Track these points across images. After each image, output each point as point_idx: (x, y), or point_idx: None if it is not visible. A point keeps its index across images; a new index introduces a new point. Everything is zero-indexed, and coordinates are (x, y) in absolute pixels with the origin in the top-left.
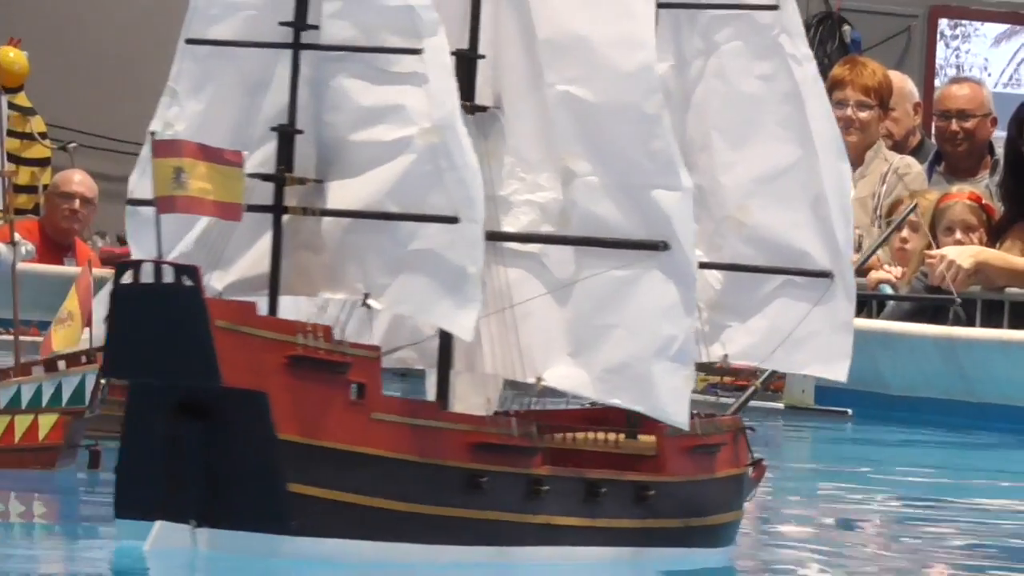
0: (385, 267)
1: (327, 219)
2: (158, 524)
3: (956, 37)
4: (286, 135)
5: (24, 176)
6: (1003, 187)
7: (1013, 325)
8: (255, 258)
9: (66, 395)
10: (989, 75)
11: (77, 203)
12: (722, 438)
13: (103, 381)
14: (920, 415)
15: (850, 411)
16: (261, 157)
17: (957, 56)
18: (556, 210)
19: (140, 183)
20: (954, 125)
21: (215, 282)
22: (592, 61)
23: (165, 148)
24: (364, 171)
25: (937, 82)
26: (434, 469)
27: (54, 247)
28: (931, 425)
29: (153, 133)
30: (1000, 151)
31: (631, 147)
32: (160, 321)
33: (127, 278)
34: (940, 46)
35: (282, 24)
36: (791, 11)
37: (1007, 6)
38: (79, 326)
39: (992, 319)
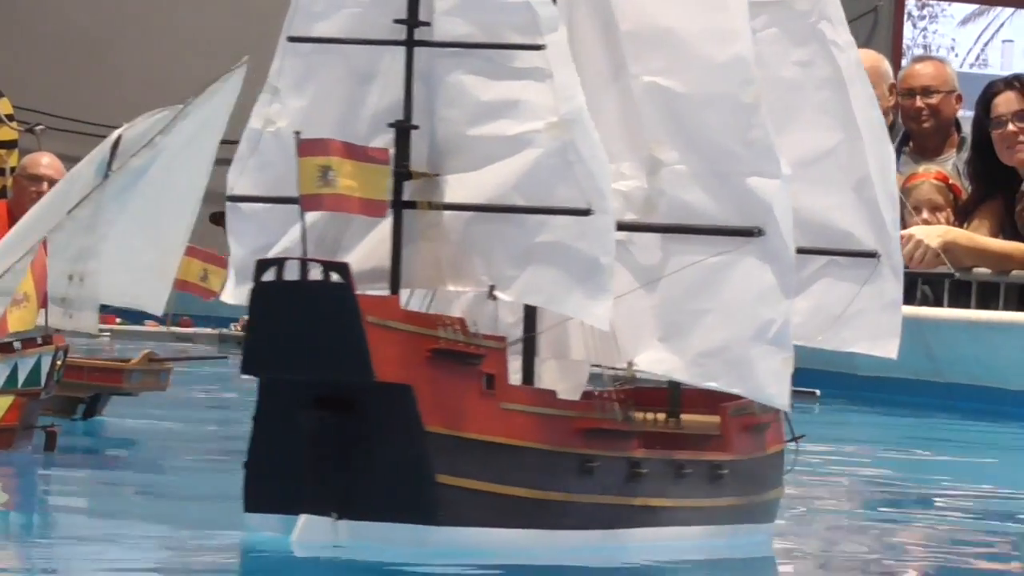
0: (512, 259)
1: (448, 212)
2: (303, 517)
3: (923, 17)
4: (403, 131)
5: None
6: (970, 167)
7: (980, 306)
8: (367, 251)
9: (22, 377)
10: (956, 55)
11: (45, 185)
12: (770, 416)
13: (59, 362)
14: (887, 395)
15: (818, 392)
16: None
17: (924, 36)
18: (640, 198)
19: (240, 180)
20: (919, 102)
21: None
22: (682, 52)
23: (311, 147)
24: (484, 165)
25: (904, 62)
26: (555, 456)
27: None
28: (899, 405)
29: (258, 131)
30: (967, 129)
31: (724, 136)
32: (309, 318)
33: (270, 275)
34: (907, 26)
35: (396, 22)
36: None
37: None
38: (35, 307)
39: (959, 300)
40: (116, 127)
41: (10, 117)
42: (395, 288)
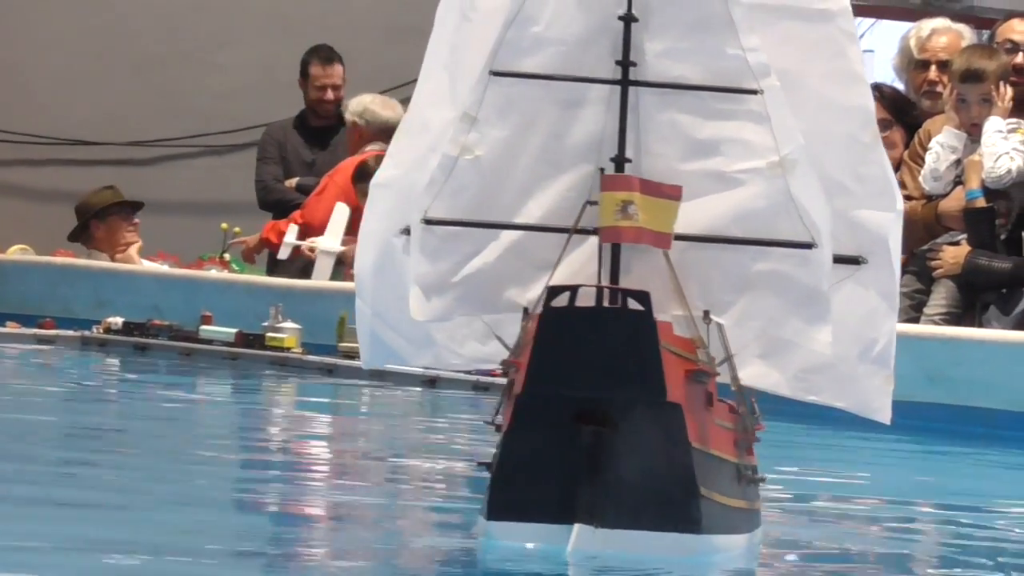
0: (730, 286)
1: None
2: (577, 527)
3: None
4: (620, 165)
5: None
6: None
7: None
8: (565, 276)
9: None
10: None
11: None
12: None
13: None
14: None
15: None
16: (569, 182)
17: None
18: None
19: (435, 204)
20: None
21: (515, 297)
22: (800, 93)
23: (614, 182)
24: (696, 198)
25: None
26: (731, 466)
27: None
28: None
29: (454, 157)
30: None
31: (838, 171)
32: (606, 341)
33: (560, 301)
34: None
35: (617, 63)
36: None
37: None
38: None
39: None
40: None
41: None
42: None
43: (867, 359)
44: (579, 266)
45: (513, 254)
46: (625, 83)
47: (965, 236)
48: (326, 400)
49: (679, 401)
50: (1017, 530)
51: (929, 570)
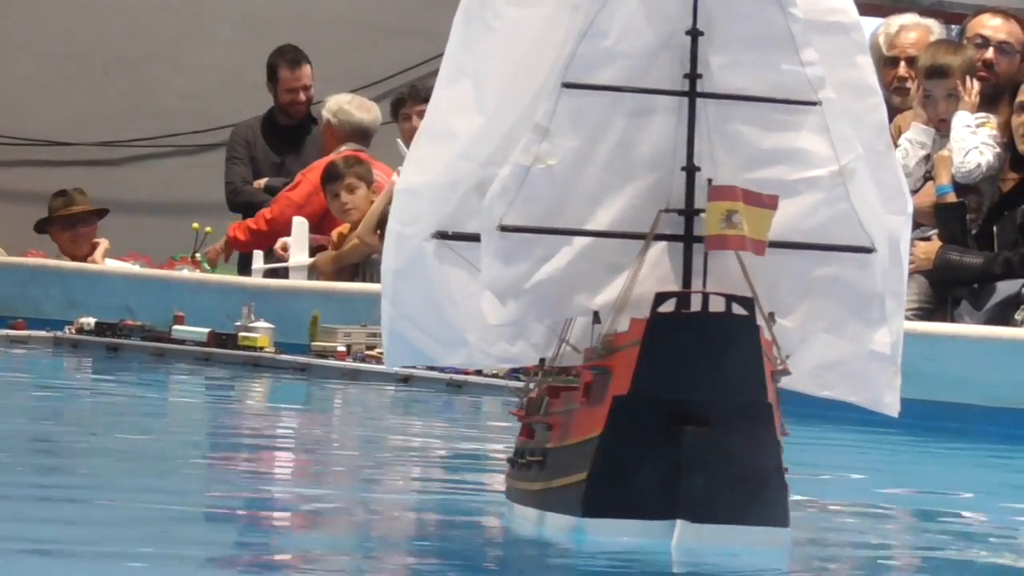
0: (794, 290)
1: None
2: (679, 523)
3: None
4: (690, 173)
5: None
6: None
7: None
8: (631, 281)
9: None
10: None
11: None
12: None
13: None
14: None
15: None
16: (636, 190)
17: None
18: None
19: (509, 212)
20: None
21: (585, 301)
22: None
23: (721, 192)
24: None
25: None
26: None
27: None
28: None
29: (526, 167)
30: None
31: None
32: (713, 346)
33: (668, 307)
34: None
35: (685, 76)
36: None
37: None
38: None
39: None
40: None
41: None
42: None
43: (878, 356)
44: (647, 271)
45: (583, 260)
46: (692, 95)
47: (936, 231)
48: (299, 399)
49: (771, 401)
50: (985, 523)
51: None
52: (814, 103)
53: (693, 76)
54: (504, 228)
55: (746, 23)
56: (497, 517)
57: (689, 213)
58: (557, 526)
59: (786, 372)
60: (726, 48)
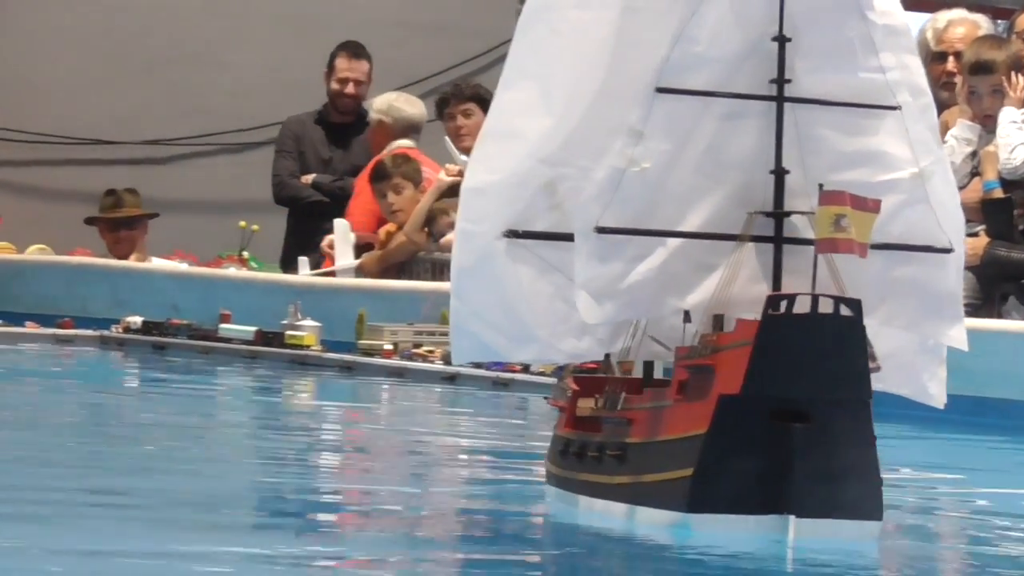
0: (876, 289)
1: (803, 248)
2: (792, 519)
3: None
4: (780, 176)
5: None
6: None
7: None
8: (723, 282)
9: None
10: None
11: None
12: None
13: None
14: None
15: None
16: (725, 192)
17: None
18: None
19: (605, 214)
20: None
21: (676, 301)
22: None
23: (830, 197)
24: None
25: None
26: None
27: None
28: None
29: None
30: None
31: None
32: (822, 345)
33: (780, 308)
34: None
35: (771, 82)
36: None
37: None
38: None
39: None
40: None
41: None
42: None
43: (925, 349)
44: (735, 271)
45: (675, 260)
46: (781, 99)
47: (983, 227)
48: (346, 397)
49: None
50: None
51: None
52: (894, 107)
53: (781, 81)
54: (601, 229)
55: (828, 29)
56: (546, 506)
57: (779, 215)
58: (653, 520)
59: (878, 369)
60: (810, 54)
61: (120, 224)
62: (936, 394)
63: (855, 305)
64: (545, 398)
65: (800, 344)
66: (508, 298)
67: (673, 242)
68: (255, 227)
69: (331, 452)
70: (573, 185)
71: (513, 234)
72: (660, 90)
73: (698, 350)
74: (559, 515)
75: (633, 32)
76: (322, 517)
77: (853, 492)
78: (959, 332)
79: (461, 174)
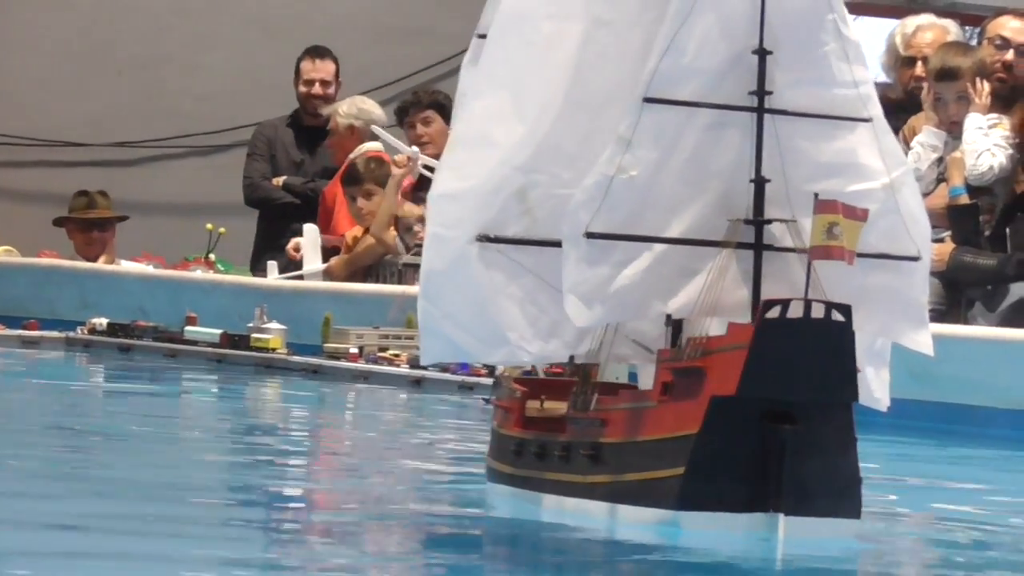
0: (850, 295)
1: (791, 255)
2: (781, 517)
3: None
4: (760, 185)
5: None
6: None
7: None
8: (702, 286)
9: None
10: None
11: None
12: None
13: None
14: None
15: None
16: (708, 199)
17: None
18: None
19: (595, 220)
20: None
21: (659, 305)
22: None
23: (824, 206)
24: None
25: None
26: None
27: None
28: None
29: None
30: None
31: None
32: (813, 350)
33: (773, 313)
34: None
35: (750, 93)
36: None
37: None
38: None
39: None
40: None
41: None
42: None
43: (872, 352)
44: (717, 276)
45: (660, 265)
46: (761, 111)
47: (949, 233)
48: (311, 401)
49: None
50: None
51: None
52: (867, 120)
53: (761, 93)
54: (590, 235)
55: (807, 43)
56: (511, 506)
57: (759, 223)
58: (640, 518)
59: (859, 371)
60: (790, 67)
61: (92, 225)
62: (880, 398)
63: (846, 310)
64: (484, 399)
65: (794, 348)
66: (480, 301)
67: (658, 247)
68: (222, 230)
69: (295, 456)
70: (544, 192)
71: (486, 239)
72: (648, 100)
73: (685, 352)
74: (526, 514)
75: (600, 44)
76: (287, 523)
77: (836, 491)
78: (925, 337)
79: (410, 161)
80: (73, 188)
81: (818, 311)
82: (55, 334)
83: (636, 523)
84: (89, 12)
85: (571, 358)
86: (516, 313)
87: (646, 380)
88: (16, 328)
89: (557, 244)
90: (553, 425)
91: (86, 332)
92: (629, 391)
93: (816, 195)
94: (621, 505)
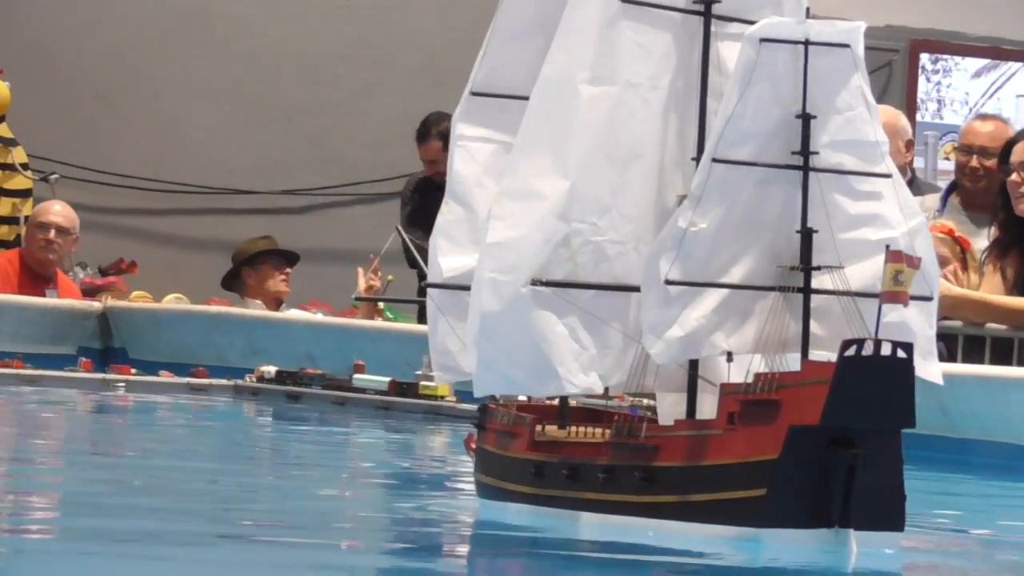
0: (868, 332)
1: (822, 296)
2: (852, 533)
3: (937, 71)
4: (807, 235)
5: (5, 207)
6: (995, 216)
7: (994, 361)
8: (758, 326)
9: None
10: (969, 108)
11: (52, 233)
12: None
13: None
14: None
15: None
16: (760, 248)
17: (938, 90)
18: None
19: (672, 268)
20: (974, 161)
21: (721, 342)
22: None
23: (894, 256)
24: (853, 261)
25: (919, 116)
26: None
27: (35, 278)
28: (912, 460)
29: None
30: None
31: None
32: (882, 384)
33: (851, 351)
34: (921, 80)
35: (794, 153)
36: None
37: (987, 40)
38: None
39: (973, 355)
40: (127, 175)
41: (24, 166)
42: (805, 356)
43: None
44: (769, 317)
45: (724, 307)
46: (807, 169)
47: None
48: None
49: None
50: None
51: None
52: (888, 175)
53: (805, 153)
54: (669, 282)
55: (839, 108)
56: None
57: (807, 269)
58: (715, 535)
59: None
60: (826, 128)
61: (289, 257)
62: (935, 372)
63: (908, 348)
64: (473, 422)
65: (868, 382)
66: (533, 340)
67: (721, 291)
68: (390, 277)
69: (461, 506)
70: (583, 239)
71: (539, 283)
72: (716, 160)
73: (758, 385)
74: (571, 532)
75: (629, 104)
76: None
77: (893, 506)
78: (935, 367)
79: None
80: (241, 236)
81: (886, 349)
82: (223, 382)
83: (712, 539)
84: (255, 59)
85: (606, 390)
86: (564, 349)
87: (666, 409)
88: (184, 376)
89: (596, 287)
90: (586, 449)
91: (254, 379)
92: (686, 420)
93: (888, 247)
94: (692, 523)
